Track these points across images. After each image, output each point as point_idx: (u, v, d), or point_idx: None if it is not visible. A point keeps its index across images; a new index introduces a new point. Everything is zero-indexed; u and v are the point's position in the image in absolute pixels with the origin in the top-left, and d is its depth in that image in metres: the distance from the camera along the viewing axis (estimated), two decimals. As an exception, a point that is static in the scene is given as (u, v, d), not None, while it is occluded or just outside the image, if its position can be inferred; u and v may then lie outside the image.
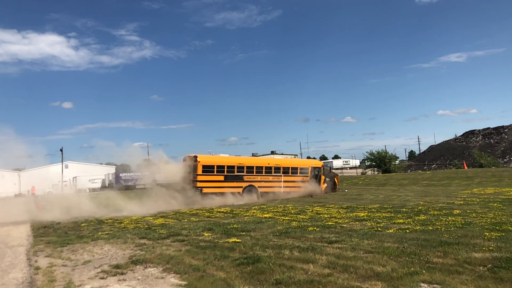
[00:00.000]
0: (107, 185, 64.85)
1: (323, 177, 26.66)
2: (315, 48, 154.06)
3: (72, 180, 66.84)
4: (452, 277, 5.40)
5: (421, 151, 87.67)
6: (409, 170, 59.58)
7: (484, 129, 69.58)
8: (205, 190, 21.42)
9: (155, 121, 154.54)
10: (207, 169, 21.88)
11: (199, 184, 21.43)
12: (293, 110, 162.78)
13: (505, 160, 55.33)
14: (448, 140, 74.47)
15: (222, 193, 21.64)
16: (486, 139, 65.72)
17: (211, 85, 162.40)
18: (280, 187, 24.18)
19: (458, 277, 5.37)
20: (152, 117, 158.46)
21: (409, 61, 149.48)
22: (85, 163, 73.42)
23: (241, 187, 22.82)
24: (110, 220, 15.28)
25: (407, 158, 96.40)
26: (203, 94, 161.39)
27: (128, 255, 8.18)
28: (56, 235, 11.83)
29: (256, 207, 17.89)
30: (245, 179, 23.09)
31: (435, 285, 5.13)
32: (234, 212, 15.96)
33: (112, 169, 72.53)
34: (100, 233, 11.72)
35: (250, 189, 23.17)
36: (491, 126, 69.10)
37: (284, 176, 24.50)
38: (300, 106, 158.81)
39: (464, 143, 68.66)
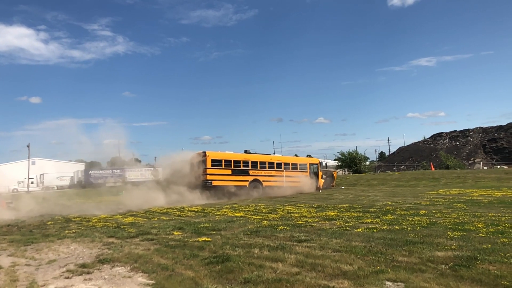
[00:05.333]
0: (76, 182, 63.19)
1: (320, 173, 28.07)
2: (289, 49, 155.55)
3: (39, 177, 64.81)
4: (415, 275, 5.56)
5: (390, 152, 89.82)
6: (378, 171, 60.98)
7: (451, 132, 71.93)
8: (214, 183, 22.43)
9: (126, 118, 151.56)
10: (216, 163, 22.97)
11: (208, 177, 22.36)
12: (267, 110, 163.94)
13: (469, 162, 57.38)
14: (417, 142, 76.60)
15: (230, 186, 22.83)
16: (453, 142, 67.98)
17: (185, 83, 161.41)
18: (283, 181, 25.17)
19: (421, 275, 5.53)
20: (124, 114, 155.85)
21: (381, 64, 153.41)
22: (53, 160, 71.26)
23: (247, 180, 23.83)
24: (78, 218, 14.90)
25: (377, 159, 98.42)
26: (176, 91, 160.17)
27: (95, 254, 8.01)
28: (20, 234, 11.45)
29: (228, 206, 17.86)
30: (250, 173, 24.10)
31: (399, 283, 5.27)
32: (205, 211, 15.89)
33: (81, 166, 70.83)
34: (67, 231, 11.42)
35: (255, 183, 24.15)
36: (458, 129, 71.60)
37: (285, 171, 25.57)
38: (274, 106, 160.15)
39: (432, 145, 70.79)
